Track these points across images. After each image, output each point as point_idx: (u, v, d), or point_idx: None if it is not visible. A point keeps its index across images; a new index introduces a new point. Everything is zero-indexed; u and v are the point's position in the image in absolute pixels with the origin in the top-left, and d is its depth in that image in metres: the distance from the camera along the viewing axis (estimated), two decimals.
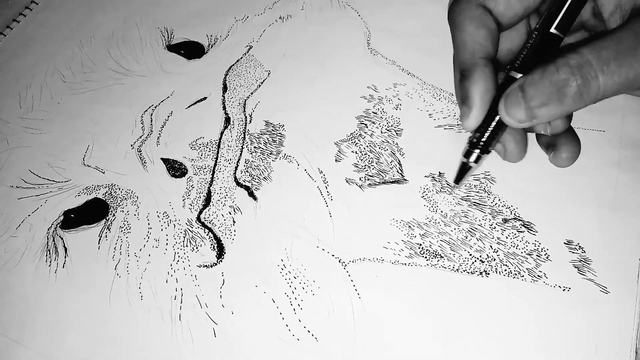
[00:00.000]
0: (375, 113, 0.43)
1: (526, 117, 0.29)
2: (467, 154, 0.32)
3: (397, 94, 0.44)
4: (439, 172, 0.40)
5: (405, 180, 0.40)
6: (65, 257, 0.40)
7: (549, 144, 0.33)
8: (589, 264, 0.35)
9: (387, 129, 0.42)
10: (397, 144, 0.41)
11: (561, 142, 0.33)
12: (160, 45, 0.50)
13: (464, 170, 0.33)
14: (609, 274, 0.35)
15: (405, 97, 0.44)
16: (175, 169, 0.42)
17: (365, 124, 0.42)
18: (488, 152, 0.32)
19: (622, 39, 0.27)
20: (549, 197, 0.38)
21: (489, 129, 0.31)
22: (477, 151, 0.32)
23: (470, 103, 0.30)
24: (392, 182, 0.40)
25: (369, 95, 0.44)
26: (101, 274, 0.39)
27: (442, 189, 0.39)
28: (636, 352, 0.33)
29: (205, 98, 0.46)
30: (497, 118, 0.30)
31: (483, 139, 0.31)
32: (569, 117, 0.32)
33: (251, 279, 0.37)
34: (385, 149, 0.41)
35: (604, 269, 0.35)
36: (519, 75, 0.30)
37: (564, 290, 0.35)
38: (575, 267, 0.36)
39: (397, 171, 0.40)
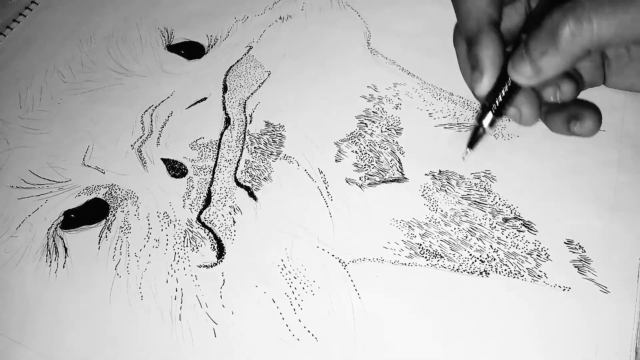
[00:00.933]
0: (375, 112, 0.43)
1: (532, 71, 0.29)
2: (481, 118, 0.32)
3: (397, 93, 0.44)
4: (439, 170, 0.40)
5: (405, 178, 0.40)
6: (65, 257, 0.40)
7: (570, 117, 0.33)
8: (589, 264, 0.35)
9: (387, 128, 0.42)
10: (397, 142, 0.41)
11: (580, 111, 0.32)
12: (160, 46, 0.50)
13: (477, 134, 0.33)
14: (609, 273, 0.35)
15: (405, 96, 0.44)
16: (176, 169, 0.42)
17: (365, 124, 0.42)
18: (501, 115, 0.32)
19: None
20: (549, 196, 0.38)
21: (502, 91, 0.31)
22: (491, 114, 0.32)
23: (481, 68, 0.30)
24: (392, 181, 0.40)
25: (369, 95, 0.44)
26: (101, 274, 0.39)
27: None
28: (636, 352, 0.33)
29: (205, 98, 0.46)
30: (508, 81, 0.31)
31: (496, 102, 0.31)
32: (578, 83, 0.32)
33: (251, 279, 0.37)
34: (385, 148, 0.41)
35: (604, 269, 0.35)
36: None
37: (564, 290, 0.35)
38: (575, 266, 0.36)
39: (397, 170, 0.40)
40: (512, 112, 0.33)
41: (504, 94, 0.31)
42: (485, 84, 0.31)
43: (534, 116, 0.33)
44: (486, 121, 0.32)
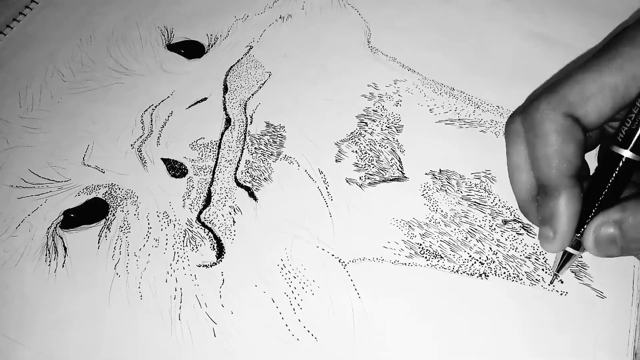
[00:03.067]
0: (376, 111, 0.43)
1: (619, 254, 0.26)
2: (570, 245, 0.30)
3: (397, 90, 0.44)
4: (440, 170, 0.40)
5: (406, 177, 0.40)
6: (65, 256, 0.40)
7: None
8: (586, 269, 0.36)
9: (388, 126, 0.42)
10: (397, 140, 0.41)
11: None
12: (160, 45, 0.50)
13: (567, 258, 0.30)
14: (605, 279, 0.35)
15: (406, 93, 0.44)
16: (176, 169, 0.42)
17: (366, 123, 0.42)
18: None
19: None
20: None
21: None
22: (579, 236, 0.29)
23: (555, 227, 0.27)
24: (392, 180, 0.40)
25: (369, 93, 0.44)
26: (101, 273, 0.39)
27: (547, 276, 0.36)
28: (634, 355, 0.33)
29: (205, 98, 0.46)
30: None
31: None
32: None
33: (251, 278, 0.37)
34: (386, 147, 0.41)
35: (600, 274, 0.35)
36: (624, 152, 0.27)
37: (561, 294, 0.35)
38: (572, 271, 0.36)
39: (397, 169, 0.40)
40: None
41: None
42: (557, 246, 0.28)
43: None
44: (575, 250, 0.29)
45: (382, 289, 0.36)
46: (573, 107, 0.27)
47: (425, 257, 0.37)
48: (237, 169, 0.42)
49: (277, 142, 0.42)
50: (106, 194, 0.42)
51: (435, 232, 0.38)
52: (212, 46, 0.49)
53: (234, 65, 0.47)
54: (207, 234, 0.39)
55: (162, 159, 0.43)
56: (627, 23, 0.46)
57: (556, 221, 0.27)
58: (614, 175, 0.27)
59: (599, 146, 0.34)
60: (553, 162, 0.28)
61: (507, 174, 0.39)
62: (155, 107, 0.46)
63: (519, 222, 0.37)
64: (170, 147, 0.43)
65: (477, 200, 0.38)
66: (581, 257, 0.30)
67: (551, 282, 0.35)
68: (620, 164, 0.27)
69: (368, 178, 0.40)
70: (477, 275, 0.36)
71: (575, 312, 0.34)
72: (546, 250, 0.29)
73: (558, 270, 0.31)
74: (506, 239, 0.37)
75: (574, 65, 0.31)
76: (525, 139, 0.29)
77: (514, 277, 0.36)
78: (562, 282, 0.35)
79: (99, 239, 0.40)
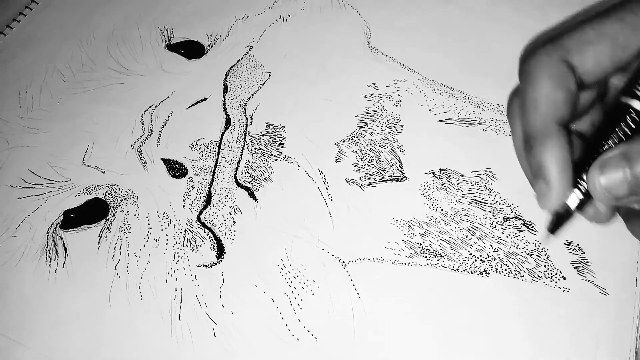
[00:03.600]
0: (376, 111, 0.43)
1: (628, 193, 0.24)
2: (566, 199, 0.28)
3: (397, 90, 0.44)
4: (439, 169, 0.40)
5: (406, 177, 0.40)
6: (65, 257, 0.40)
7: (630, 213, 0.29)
8: (588, 265, 0.35)
9: (387, 126, 0.42)
10: (397, 140, 0.41)
11: None
12: (160, 45, 0.50)
13: (562, 217, 0.28)
14: (608, 275, 0.35)
15: (406, 93, 0.44)
16: (176, 169, 0.42)
17: (366, 123, 0.42)
18: (591, 197, 0.27)
19: None
20: None
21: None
22: (579, 194, 0.27)
23: (548, 178, 0.26)
24: (392, 180, 0.40)
25: (369, 93, 0.44)
26: (101, 273, 0.39)
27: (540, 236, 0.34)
28: (636, 353, 0.33)
29: (205, 99, 0.46)
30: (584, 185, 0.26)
31: (583, 184, 0.26)
32: None
33: (251, 278, 0.37)
34: (385, 147, 0.41)
35: (603, 271, 0.35)
36: (635, 102, 0.25)
37: (563, 291, 0.35)
38: (575, 267, 0.35)
39: (397, 169, 0.40)
40: (589, 212, 0.28)
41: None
42: (554, 199, 0.26)
43: (610, 216, 0.28)
44: (572, 203, 0.27)
45: (382, 289, 0.36)
46: (570, 53, 0.26)
47: (425, 257, 0.37)
48: (237, 169, 0.42)
49: (277, 142, 0.42)
50: (106, 194, 0.42)
51: (436, 231, 0.38)
52: (212, 46, 0.49)
53: (234, 65, 0.47)
54: (207, 234, 0.39)
55: (162, 159, 0.43)
56: None
57: (546, 171, 0.26)
58: (622, 125, 0.26)
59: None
60: (539, 106, 0.26)
61: (507, 172, 0.39)
62: (155, 107, 0.46)
63: (520, 219, 0.37)
64: (170, 147, 0.43)
65: (477, 198, 0.38)
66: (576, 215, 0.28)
67: (543, 242, 0.33)
68: (629, 115, 0.26)
69: (368, 178, 0.40)
70: (478, 273, 0.36)
71: (578, 309, 0.34)
72: (544, 207, 0.27)
73: (553, 230, 0.29)
74: (507, 237, 0.37)
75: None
76: (520, 91, 0.28)
77: (516, 275, 0.36)
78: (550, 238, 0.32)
79: (99, 239, 0.40)
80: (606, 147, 0.26)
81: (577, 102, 0.27)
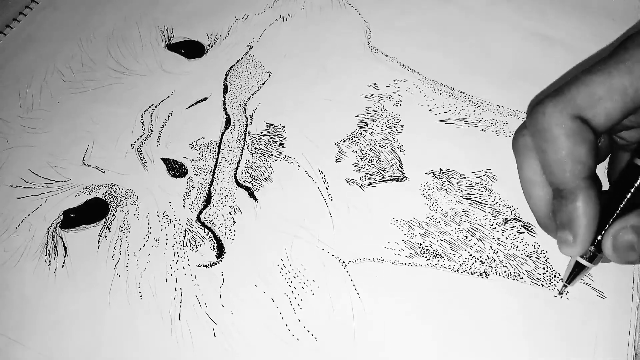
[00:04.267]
0: (376, 111, 0.43)
1: (638, 260, 0.26)
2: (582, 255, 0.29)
3: (397, 90, 0.44)
4: (440, 169, 0.40)
5: (406, 177, 0.40)
6: (64, 256, 0.40)
7: None
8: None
9: (388, 126, 0.42)
10: (397, 140, 0.41)
11: None
12: (160, 45, 0.50)
13: (578, 270, 0.30)
14: (606, 279, 0.35)
15: (406, 93, 0.44)
16: (176, 169, 0.42)
17: (366, 123, 0.42)
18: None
19: None
20: None
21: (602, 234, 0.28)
22: (592, 248, 0.29)
23: (575, 231, 0.27)
24: (392, 180, 0.40)
25: (369, 93, 0.44)
26: (101, 273, 0.39)
27: (558, 290, 0.35)
28: (635, 355, 0.33)
29: (205, 98, 0.46)
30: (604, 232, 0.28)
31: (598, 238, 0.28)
32: None
33: (251, 278, 0.37)
34: (386, 147, 0.41)
35: (601, 274, 0.35)
36: None
37: (562, 293, 0.35)
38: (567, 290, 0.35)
39: (397, 169, 0.40)
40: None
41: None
42: (578, 250, 0.28)
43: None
44: (591, 259, 0.29)
45: (382, 289, 0.36)
46: (581, 109, 0.27)
47: (425, 257, 0.37)
48: (237, 169, 0.42)
49: (277, 142, 0.42)
50: (106, 193, 0.42)
51: (436, 231, 0.38)
52: (212, 46, 0.49)
53: (234, 65, 0.47)
54: (207, 234, 0.39)
55: (162, 159, 0.43)
56: (630, 25, 0.46)
57: (575, 224, 0.27)
58: (635, 185, 0.27)
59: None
60: (566, 165, 0.27)
61: (507, 173, 0.39)
62: (155, 107, 0.46)
63: (520, 220, 0.37)
64: (170, 147, 0.43)
65: (477, 199, 0.38)
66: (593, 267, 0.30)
67: (560, 293, 0.35)
68: None
69: (368, 178, 0.40)
70: (478, 274, 0.36)
71: (576, 311, 0.34)
72: (567, 254, 0.28)
73: (569, 282, 0.31)
74: (507, 238, 0.37)
75: (577, 69, 0.30)
76: (535, 146, 0.29)
77: (515, 276, 0.36)
78: (566, 295, 0.35)
79: (99, 239, 0.40)
80: (620, 206, 0.28)
81: (597, 150, 0.28)
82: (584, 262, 0.29)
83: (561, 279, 0.35)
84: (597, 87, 0.26)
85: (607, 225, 0.28)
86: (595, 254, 0.29)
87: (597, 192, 0.27)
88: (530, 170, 0.29)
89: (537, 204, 0.30)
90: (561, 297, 0.35)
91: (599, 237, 0.28)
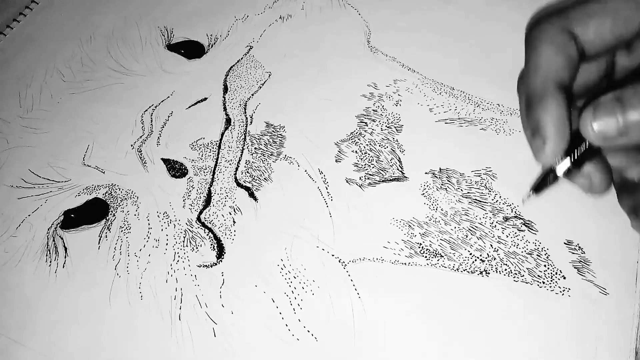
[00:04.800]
0: (376, 111, 0.43)
1: (617, 132, 0.26)
2: (555, 164, 0.30)
3: (397, 90, 0.44)
4: (439, 168, 0.40)
5: (406, 177, 0.40)
6: (65, 257, 0.40)
7: (635, 207, 0.31)
8: (589, 265, 0.35)
9: (387, 126, 0.42)
10: (397, 140, 0.41)
11: None
12: (160, 45, 0.50)
13: (547, 181, 0.30)
14: (608, 275, 0.35)
15: (406, 92, 0.44)
16: (176, 169, 0.42)
17: (366, 122, 0.42)
18: (580, 165, 0.29)
19: None
20: (550, 195, 0.38)
21: (583, 143, 0.28)
22: (568, 162, 0.29)
23: (543, 134, 0.28)
24: (392, 180, 0.40)
25: (369, 93, 0.44)
26: (101, 273, 0.39)
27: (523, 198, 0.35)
28: (636, 353, 0.33)
29: (205, 99, 0.46)
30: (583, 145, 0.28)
31: (575, 152, 0.28)
32: None
33: (251, 278, 0.37)
34: (385, 147, 0.41)
35: (603, 270, 0.35)
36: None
37: (563, 290, 0.35)
38: (575, 267, 0.35)
39: (397, 168, 0.40)
40: (580, 181, 0.30)
41: (585, 146, 0.28)
42: (549, 154, 0.28)
43: (606, 183, 0.30)
44: (561, 169, 0.29)
45: (382, 289, 0.36)
46: (572, 23, 0.28)
47: (425, 257, 0.37)
48: (237, 169, 0.42)
49: (277, 142, 0.42)
50: (106, 194, 0.42)
51: (436, 230, 0.38)
52: (212, 46, 0.49)
53: (234, 65, 0.47)
54: (207, 234, 0.39)
55: (162, 159, 0.43)
56: None
57: (542, 128, 0.27)
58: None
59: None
60: (540, 69, 0.28)
61: (507, 172, 0.39)
62: (155, 107, 0.46)
63: (520, 218, 0.37)
64: (170, 147, 0.43)
65: (477, 198, 0.38)
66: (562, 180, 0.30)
67: (523, 200, 0.35)
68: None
69: (368, 178, 0.40)
70: (478, 273, 0.36)
71: (578, 309, 0.34)
72: (540, 161, 0.29)
73: (537, 190, 0.31)
74: (507, 236, 0.37)
75: None
76: (524, 58, 0.30)
77: (516, 274, 0.36)
78: (532, 197, 0.33)
79: (100, 239, 0.40)
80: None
81: (577, 69, 0.29)
82: (558, 171, 0.29)
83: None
84: (592, 5, 0.28)
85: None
86: (570, 170, 0.29)
87: (566, 101, 0.27)
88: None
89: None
90: (523, 202, 0.35)
91: (577, 152, 0.28)
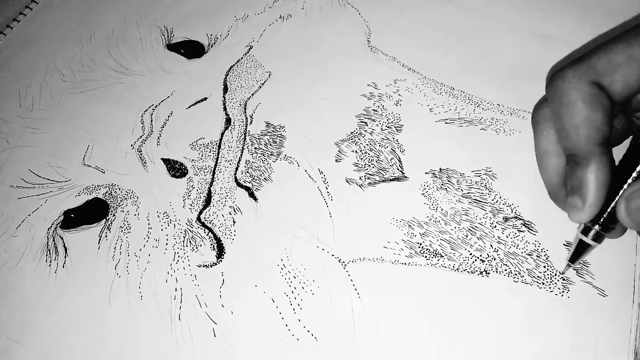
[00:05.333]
0: (376, 110, 0.43)
1: None
2: (585, 231, 0.30)
3: (397, 89, 0.44)
4: (439, 168, 0.40)
5: (406, 177, 0.40)
6: (65, 257, 0.40)
7: None
8: (587, 267, 0.36)
9: (387, 125, 0.42)
10: (397, 140, 0.41)
11: None
12: (160, 45, 0.50)
13: (581, 249, 0.31)
14: (607, 276, 0.35)
15: (406, 92, 0.44)
16: (176, 169, 0.42)
17: (366, 122, 0.42)
18: (608, 230, 0.30)
19: None
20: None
21: (609, 208, 0.29)
22: (597, 227, 0.29)
23: (584, 196, 0.28)
24: (392, 180, 0.40)
25: (369, 93, 0.44)
26: (101, 273, 0.39)
27: (559, 271, 0.36)
28: (635, 354, 0.33)
29: (205, 98, 0.46)
30: (613, 203, 0.28)
31: (603, 218, 0.29)
32: None
33: (251, 278, 0.37)
34: (385, 147, 0.41)
35: (602, 272, 0.35)
36: None
37: (562, 292, 0.35)
38: (574, 269, 0.35)
39: (397, 168, 0.40)
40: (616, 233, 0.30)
41: (611, 209, 0.29)
42: (585, 215, 0.28)
43: (623, 232, 0.31)
44: (591, 234, 0.30)
45: (382, 289, 0.36)
46: (599, 75, 0.27)
47: (425, 257, 0.37)
48: (237, 169, 0.42)
49: (277, 142, 0.42)
50: (106, 194, 0.42)
51: (436, 230, 0.38)
52: (212, 46, 0.49)
53: (234, 65, 0.47)
54: (207, 234, 0.39)
55: (162, 159, 0.43)
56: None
57: (585, 188, 0.28)
58: None
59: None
60: (581, 130, 0.27)
61: (507, 172, 0.39)
62: (155, 107, 0.46)
63: (520, 219, 0.37)
64: (171, 147, 0.43)
65: (477, 198, 0.38)
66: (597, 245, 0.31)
67: (563, 273, 0.35)
68: None
69: (368, 178, 0.40)
70: (478, 273, 0.36)
71: (577, 310, 0.34)
72: (574, 220, 0.29)
73: (573, 261, 0.32)
74: (507, 236, 0.37)
75: (596, 42, 0.31)
76: (552, 112, 0.29)
77: (515, 275, 0.36)
78: (567, 278, 0.35)
79: (99, 239, 0.40)
80: (631, 178, 0.28)
81: (613, 119, 0.28)
82: (588, 240, 0.30)
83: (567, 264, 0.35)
84: (616, 55, 0.27)
85: (621, 191, 0.28)
86: (600, 233, 0.29)
87: (610, 161, 0.28)
88: (546, 139, 0.30)
89: (550, 173, 0.31)
90: (562, 274, 0.35)
91: (604, 215, 0.28)
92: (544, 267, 0.36)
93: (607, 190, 0.28)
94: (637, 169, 0.28)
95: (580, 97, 0.27)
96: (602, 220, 0.29)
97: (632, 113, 0.32)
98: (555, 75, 0.29)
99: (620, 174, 0.29)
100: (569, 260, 0.32)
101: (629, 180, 0.28)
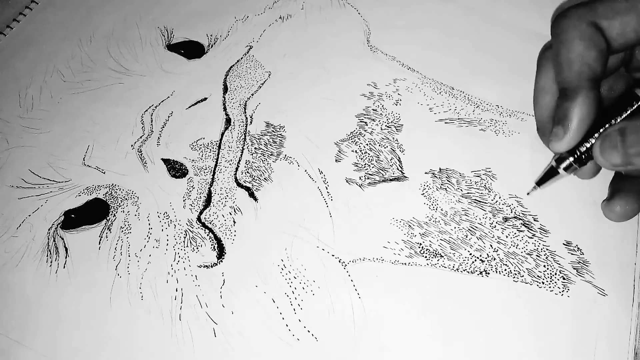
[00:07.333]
0: (375, 110, 0.43)
1: (621, 162, 0.28)
2: (560, 160, 0.32)
3: (397, 89, 0.44)
4: (439, 168, 0.40)
5: (405, 177, 0.40)
6: (65, 257, 0.40)
7: (615, 190, 0.33)
8: (587, 266, 0.36)
9: (387, 125, 0.42)
10: (397, 140, 0.41)
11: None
12: (160, 45, 0.50)
13: (550, 175, 0.33)
14: (607, 276, 0.35)
15: (406, 91, 0.44)
16: (176, 169, 0.42)
17: (365, 122, 0.42)
18: (583, 164, 0.31)
19: None
20: (549, 196, 0.38)
21: (588, 142, 0.30)
22: (571, 159, 0.31)
23: (566, 127, 0.29)
24: (392, 180, 0.40)
25: (369, 92, 0.44)
26: (102, 274, 0.39)
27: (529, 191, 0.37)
28: (635, 354, 0.33)
29: (205, 99, 0.46)
30: (592, 141, 0.30)
31: (579, 151, 0.30)
32: None
33: (251, 279, 0.37)
34: (385, 146, 0.41)
35: (602, 272, 0.35)
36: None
37: (562, 291, 0.35)
38: (574, 268, 0.36)
39: (397, 168, 0.40)
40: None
41: (589, 146, 0.30)
42: (564, 145, 0.30)
43: (594, 172, 0.33)
44: (564, 165, 0.32)
45: (382, 289, 0.36)
46: (599, 17, 0.29)
47: (425, 257, 0.37)
48: (237, 169, 0.42)
49: (277, 142, 0.42)
50: (107, 194, 0.42)
51: (435, 230, 0.38)
52: (212, 46, 0.49)
53: (234, 65, 0.47)
54: (207, 235, 0.39)
55: (162, 159, 0.43)
56: None
57: (568, 120, 0.29)
58: (629, 110, 0.29)
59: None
60: (574, 65, 0.29)
61: (507, 172, 0.39)
62: (155, 107, 0.46)
63: (520, 219, 0.37)
64: (171, 147, 0.43)
65: (477, 198, 0.38)
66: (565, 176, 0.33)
67: (528, 193, 0.37)
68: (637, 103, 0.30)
69: (368, 178, 0.40)
70: (478, 273, 0.36)
71: (576, 309, 0.35)
72: (553, 149, 0.30)
73: (539, 184, 0.33)
74: (507, 236, 0.37)
75: None
76: (552, 50, 0.31)
77: (515, 275, 0.36)
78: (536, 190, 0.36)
79: (100, 240, 0.40)
80: (613, 122, 0.30)
81: (607, 61, 0.30)
82: (560, 169, 0.32)
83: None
84: (619, 3, 0.29)
85: (601, 129, 0.30)
86: (571, 165, 0.31)
87: (596, 97, 0.29)
88: (545, 78, 0.33)
89: (542, 109, 0.33)
90: (528, 194, 0.37)
91: (581, 149, 0.30)
92: (544, 266, 0.36)
93: (588, 124, 0.29)
94: (624, 114, 0.29)
95: (577, 35, 0.29)
96: (577, 153, 0.31)
97: (634, 72, 0.34)
98: (560, 14, 0.31)
99: (606, 116, 0.30)
100: (536, 182, 0.34)
101: (612, 122, 0.30)
